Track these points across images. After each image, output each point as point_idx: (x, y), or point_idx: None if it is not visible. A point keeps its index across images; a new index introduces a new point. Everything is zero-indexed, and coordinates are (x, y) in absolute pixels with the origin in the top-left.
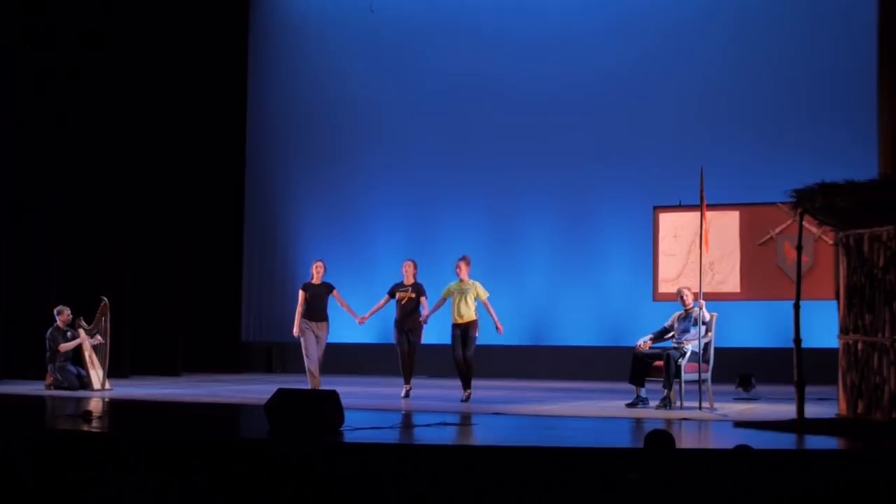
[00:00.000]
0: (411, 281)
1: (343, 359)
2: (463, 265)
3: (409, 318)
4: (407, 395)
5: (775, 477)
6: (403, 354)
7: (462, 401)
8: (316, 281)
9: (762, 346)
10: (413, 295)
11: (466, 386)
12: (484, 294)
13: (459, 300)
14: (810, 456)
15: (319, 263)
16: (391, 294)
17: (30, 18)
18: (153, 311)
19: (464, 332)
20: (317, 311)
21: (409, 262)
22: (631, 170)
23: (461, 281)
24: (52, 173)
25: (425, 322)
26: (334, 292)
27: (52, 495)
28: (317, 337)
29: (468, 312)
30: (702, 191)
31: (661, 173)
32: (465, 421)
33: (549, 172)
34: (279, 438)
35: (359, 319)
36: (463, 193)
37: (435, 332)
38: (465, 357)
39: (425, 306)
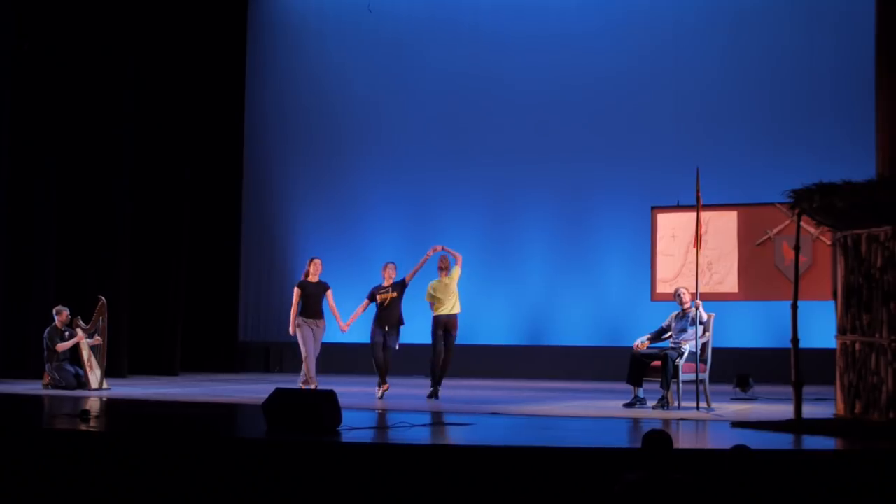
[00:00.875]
0: (390, 282)
1: (340, 359)
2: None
3: (389, 318)
4: (382, 396)
5: (773, 477)
6: (379, 354)
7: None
8: (314, 279)
9: (760, 347)
10: (395, 294)
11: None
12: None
13: None
14: (808, 456)
15: (317, 261)
16: (370, 298)
17: (28, 18)
18: (151, 311)
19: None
20: (316, 309)
21: (389, 266)
22: (629, 170)
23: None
24: (50, 172)
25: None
26: (328, 293)
27: (50, 495)
28: (315, 336)
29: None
30: (697, 190)
31: (659, 173)
32: (463, 421)
33: (547, 172)
34: (277, 438)
35: (342, 327)
36: (461, 193)
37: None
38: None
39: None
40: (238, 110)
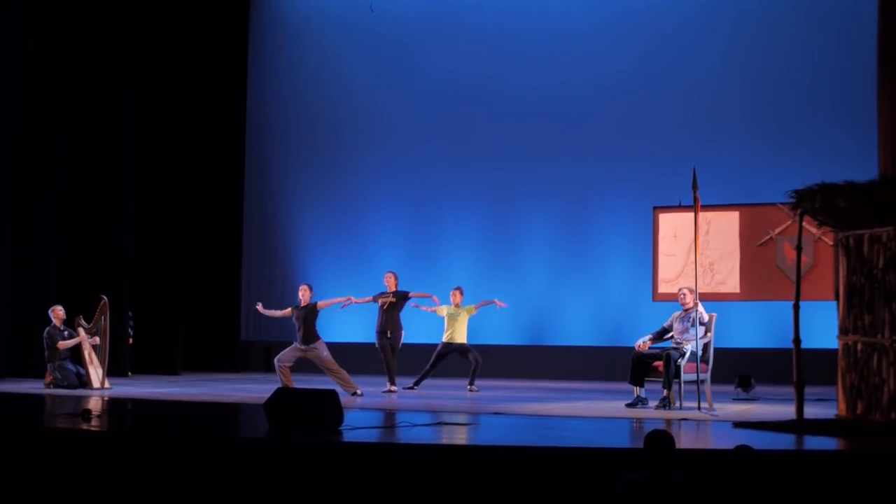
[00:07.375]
0: (393, 289)
1: (340, 359)
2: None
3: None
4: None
5: (775, 478)
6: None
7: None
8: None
9: (762, 347)
10: (394, 299)
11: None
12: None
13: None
14: (810, 457)
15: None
16: (374, 298)
17: (30, 18)
18: (152, 311)
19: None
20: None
21: (391, 274)
22: (631, 170)
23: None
24: (53, 173)
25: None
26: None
27: (51, 494)
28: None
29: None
30: (695, 190)
31: (661, 174)
32: (465, 421)
33: (549, 173)
34: (278, 437)
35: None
36: (463, 194)
37: (437, 332)
38: None
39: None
40: (240, 111)
